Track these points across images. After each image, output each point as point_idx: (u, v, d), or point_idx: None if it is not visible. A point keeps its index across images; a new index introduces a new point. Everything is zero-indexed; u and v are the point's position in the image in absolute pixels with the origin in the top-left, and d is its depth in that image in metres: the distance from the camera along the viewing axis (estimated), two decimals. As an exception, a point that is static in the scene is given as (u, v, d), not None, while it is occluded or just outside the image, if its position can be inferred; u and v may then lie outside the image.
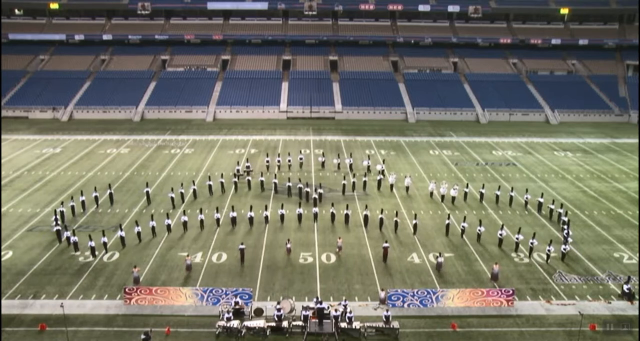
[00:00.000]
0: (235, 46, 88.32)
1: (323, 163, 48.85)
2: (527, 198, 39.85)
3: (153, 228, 33.70)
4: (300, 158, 49.31)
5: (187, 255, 30.03)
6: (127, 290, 25.96)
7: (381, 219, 35.21)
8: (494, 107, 74.62)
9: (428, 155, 54.20)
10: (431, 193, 41.00)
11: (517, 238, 32.36)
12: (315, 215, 36.51)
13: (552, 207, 37.95)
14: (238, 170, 44.79)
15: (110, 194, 39.67)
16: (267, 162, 48.26)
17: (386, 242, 31.61)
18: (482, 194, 40.57)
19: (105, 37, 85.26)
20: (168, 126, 66.48)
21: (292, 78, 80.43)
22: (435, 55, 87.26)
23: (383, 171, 45.37)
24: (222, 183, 42.06)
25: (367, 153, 51.04)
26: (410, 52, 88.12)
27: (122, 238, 32.22)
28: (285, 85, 78.70)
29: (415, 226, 34.66)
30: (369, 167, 46.80)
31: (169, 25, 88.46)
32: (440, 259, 29.98)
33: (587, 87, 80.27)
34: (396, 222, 34.96)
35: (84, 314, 25.20)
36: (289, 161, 48.43)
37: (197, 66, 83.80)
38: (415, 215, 35.83)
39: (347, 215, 35.94)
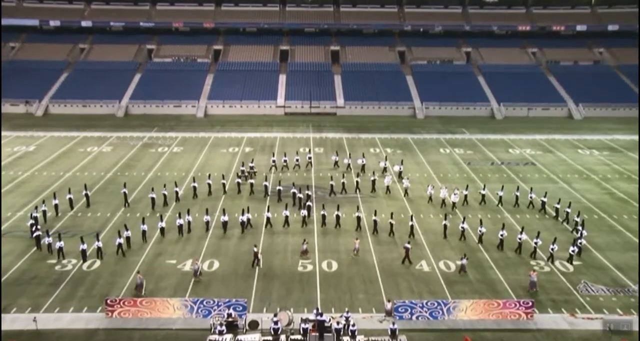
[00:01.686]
0: (228, 35, 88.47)
1: (336, 163, 48.88)
2: (531, 197, 40.02)
3: (144, 232, 33.64)
4: (309, 158, 49.46)
5: (196, 258, 30.15)
6: (109, 301, 25.90)
7: (375, 221, 35.38)
8: (510, 102, 74.65)
9: (438, 154, 54.22)
10: (430, 198, 40.93)
11: (519, 239, 32.67)
12: (304, 219, 36.65)
13: (558, 206, 38.24)
14: (242, 171, 44.86)
15: (87, 196, 39.49)
16: (273, 162, 48.38)
17: (408, 242, 31.96)
18: (483, 196, 40.65)
19: (84, 23, 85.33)
20: (155, 122, 66.51)
21: (290, 70, 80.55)
22: (446, 45, 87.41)
23: (401, 173, 45.55)
24: (209, 184, 42.02)
25: (385, 154, 50.78)
26: (419, 41, 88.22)
27: (119, 244, 31.96)
28: (282, 78, 78.81)
29: (412, 228, 34.83)
30: (385, 168, 46.75)
31: (155, 12, 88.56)
32: (464, 261, 30.27)
33: (615, 79, 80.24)
34: (391, 224, 35.10)
35: (60, 328, 25.08)
36: (297, 160, 48.69)
37: (186, 57, 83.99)
38: (412, 216, 36.00)
39: (337, 217, 36.16)
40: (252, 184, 42.48)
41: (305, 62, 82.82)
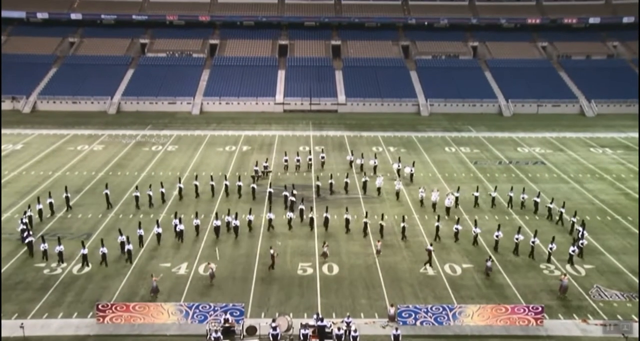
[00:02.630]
0: (224, 29, 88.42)
1: (351, 163, 48.90)
2: (523, 198, 39.99)
3: (141, 237, 33.24)
4: (323, 157, 49.36)
5: (208, 263, 30.20)
6: (100, 306, 25.91)
7: (365, 223, 35.43)
8: (519, 98, 74.66)
9: (443, 153, 54.26)
10: (421, 201, 40.63)
11: (516, 239, 32.93)
12: (289, 221, 36.54)
13: (551, 206, 38.37)
14: (256, 171, 45.03)
15: (67, 198, 38.88)
16: (286, 161, 48.19)
17: (431, 244, 32.12)
18: (476, 198, 40.44)
19: (73, 16, 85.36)
20: (148, 120, 66.55)
21: (289, 65, 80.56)
22: (452, 39, 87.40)
23: (412, 175, 45.43)
24: (196, 186, 41.89)
25: (398, 156, 50.19)
26: (424, 35, 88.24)
27: (129, 251, 31.56)
28: (281, 74, 78.82)
29: (403, 229, 34.91)
30: (399, 170, 46.51)
31: (148, 4, 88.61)
32: (489, 263, 30.49)
33: (630, 73, 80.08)
34: (381, 225, 35.25)
35: (48, 335, 25.07)
36: (310, 160, 48.69)
37: (181, 51, 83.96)
38: (404, 217, 35.99)
39: (326, 219, 36.18)
40: (240, 186, 41.83)
41: (305, 57, 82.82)
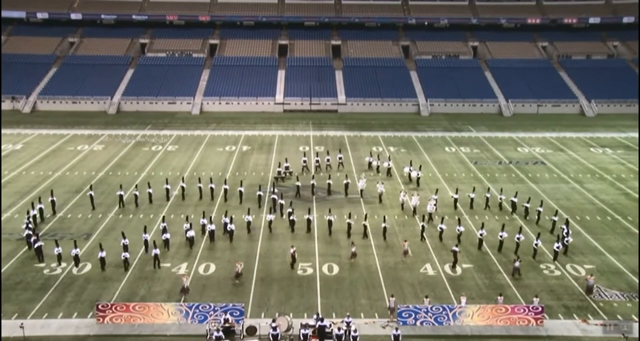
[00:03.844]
0: (224, 29, 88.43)
1: (370, 164, 48.73)
2: (501, 198, 39.86)
3: (146, 242, 32.74)
4: (340, 158, 48.94)
5: (235, 261, 30.19)
6: (100, 306, 25.92)
7: (349, 224, 35.39)
8: (519, 98, 74.68)
9: (443, 153, 54.27)
10: (402, 205, 40.26)
11: (500, 236, 33.13)
12: (270, 224, 36.31)
13: (528, 205, 38.31)
14: (279, 172, 45.24)
15: (52, 202, 38.27)
16: (305, 162, 47.73)
17: (456, 245, 32.17)
18: (455, 200, 40.24)
19: (73, 16, 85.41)
20: (148, 120, 66.55)
21: (289, 65, 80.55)
22: (452, 39, 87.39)
23: (419, 179, 45.03)
24: (182, 187, 41.71)
25: (410, 160, 48.99)
26: (424, 35, 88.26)
27: (156, 255, 31.22)
28: (281, 74, 78.81)
29: (384, 230, 34.92)
30: (409, 174, 46.09)
31: (148, 4, 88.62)
32: (517, 263, 30.51)
33: (630, 73, 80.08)
34: (365, 226, 35.26)
35: (48, 335, 25.10)
36: (328, 160, 48.34)
37: (181, 51, 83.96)
38: (384, 217, 35.97)
39: (308, 220, 36.06)
40: (226, 190, 41.27)
41: (305, 57, 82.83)
